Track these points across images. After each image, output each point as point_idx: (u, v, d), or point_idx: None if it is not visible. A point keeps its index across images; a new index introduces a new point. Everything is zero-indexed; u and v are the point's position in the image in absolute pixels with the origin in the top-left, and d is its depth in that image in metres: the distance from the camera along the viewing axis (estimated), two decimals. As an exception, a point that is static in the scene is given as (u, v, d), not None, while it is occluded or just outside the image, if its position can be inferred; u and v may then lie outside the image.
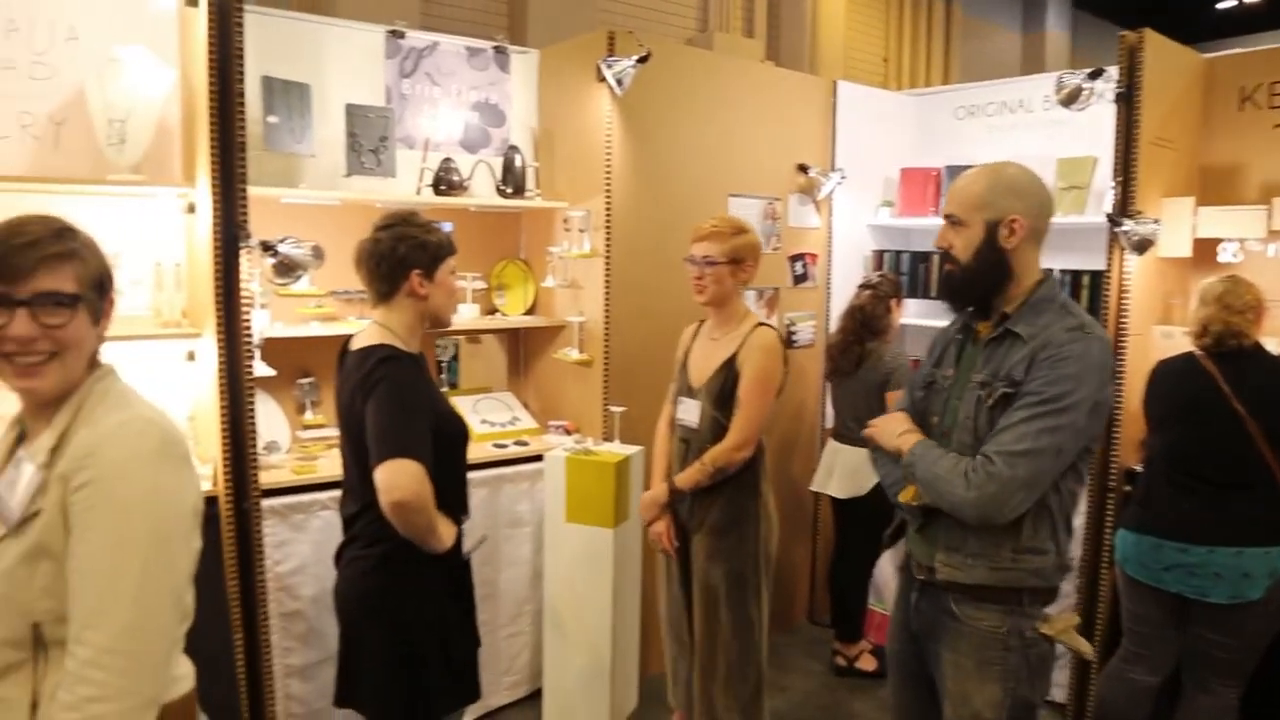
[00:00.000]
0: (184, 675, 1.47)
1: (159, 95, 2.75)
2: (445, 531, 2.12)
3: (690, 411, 2.80)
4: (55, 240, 1.32)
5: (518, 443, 3.53)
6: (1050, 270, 1.99)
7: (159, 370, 2.96)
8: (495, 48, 3.73)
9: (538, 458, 3.38)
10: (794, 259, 4.19)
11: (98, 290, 1.39)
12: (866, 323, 3.75)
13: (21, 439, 1.42)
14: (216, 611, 2.73)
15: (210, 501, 2.71)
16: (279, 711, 2.90)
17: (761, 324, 2.77)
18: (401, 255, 2.14)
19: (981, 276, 1.96)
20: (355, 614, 2.20)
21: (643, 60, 3.31)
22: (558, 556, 3.28)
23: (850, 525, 3.91)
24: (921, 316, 4.18)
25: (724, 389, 2.72)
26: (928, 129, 4.53)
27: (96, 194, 2.83)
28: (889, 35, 8.72)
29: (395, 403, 2.03)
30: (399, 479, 1.96)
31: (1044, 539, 1.91)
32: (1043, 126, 4.07)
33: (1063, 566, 1.96)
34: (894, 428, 2.08)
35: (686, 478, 2.74)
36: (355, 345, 2.18)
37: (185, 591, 1.38)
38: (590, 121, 3.50)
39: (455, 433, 2.23)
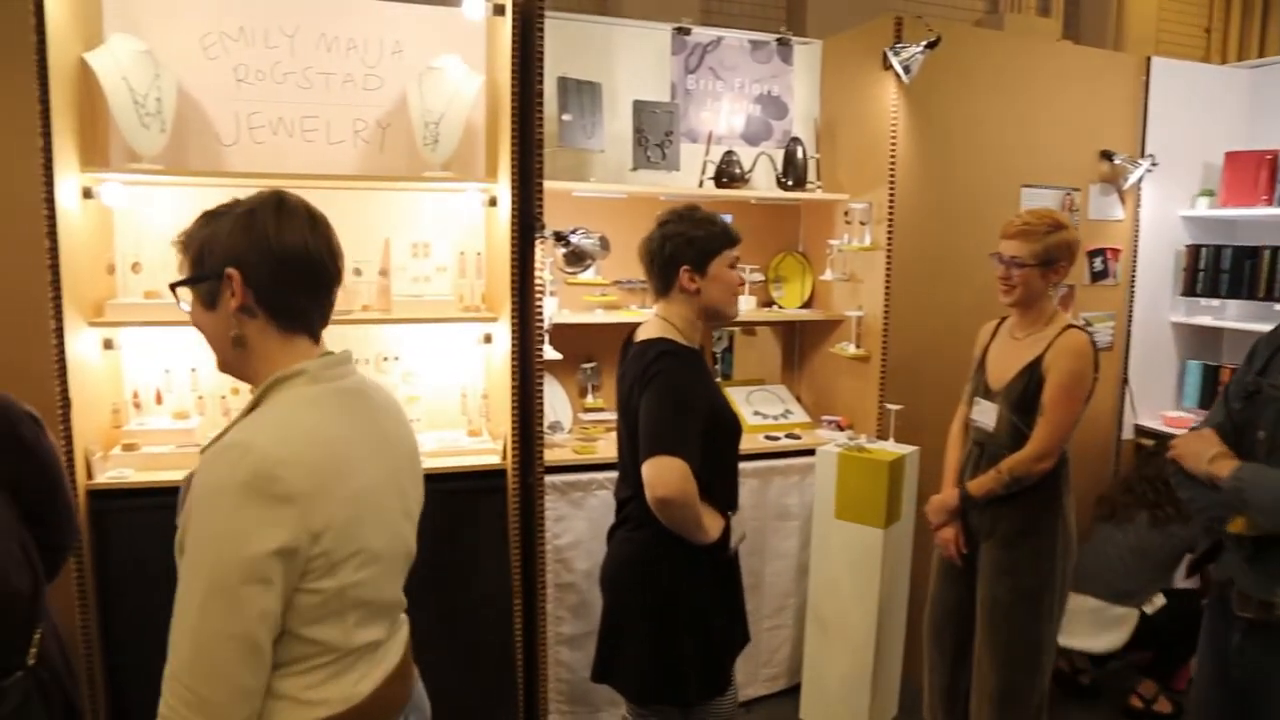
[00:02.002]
0: (334, 698, 1.31)
1: (468, 98, 2.99)
2: (711, 524, 2.14)
3: (987, 414, 2.65)
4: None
5: (789, 436, 3.52)
6: None
7: (459, 350, 3.23)
8: (778, 39, 3.73)
9: (809, 452, 3.35)
10: (1093, 254, 3.86)
11: (202, 273, 1.32)
12: None
13: None
14: (501, 577, 2.95)
15: (499, 474, 2.93)
16: (549, 675, 3.08)
17: (1071, 326, 2.56)
18: (669, 253, 2.19)
19: None
20: (619, 593, 2.28)
21: (931, 45, 3.19)
22: (825, 553, 3.24)
23: None
24: (1244, 319, 3.73)
25: (1026, 394, 2.54)
26: (1263, 106, 4.01)
27: (412, 189, 3.13)
28: (1213, 2, 7.78)
29: (668, 399, 2.07)
30: (664, 475, 2.01)
31: None
32: None
33: None
34: (1202, 449, 1.84)
35: (980, 485, 2.60)
36: (638, 337, 2.26)
37: (262, 637, 1.21)
38: (874, 111, 3.41)
39: (728, 427, 2.24)
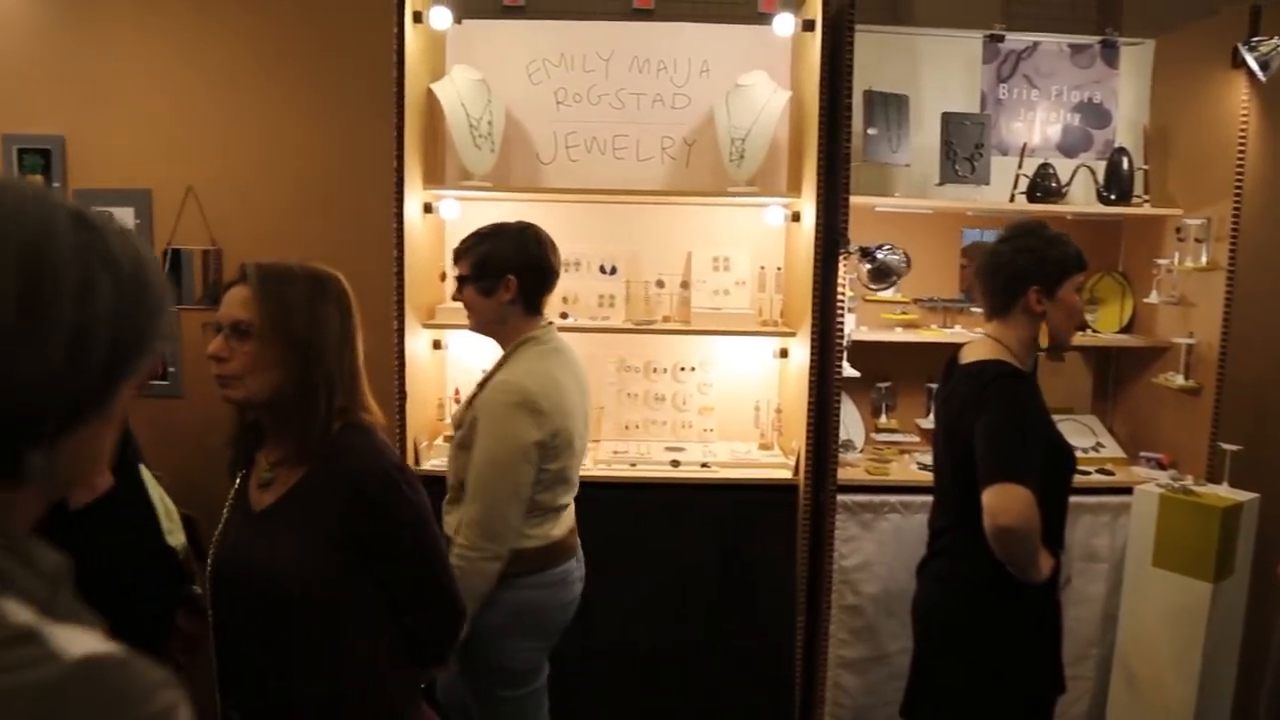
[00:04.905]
0: (540, 536, 2.11)
1: (774, 114, 3.01)
2: (1044, 563, 2.00)
3: None
4: None
5: (1101, 471, 3.24)
6: None
7: (755, 363, 3.26)
8: (1102, 42, 3.46)
9: (1124, 490, 3.06)
10: None
11: (486, 275, 2.14)
12: None
13: None
14: (785, 593, 2.93)
15: (789, 489, 2.92)
16: (827, 698, 3.02)
17: None
18: (1020, 269, 2.07)
19: None
20: (934, 631, 2.18)
21: (1301, 37, 2.82)
22: (1139, 604, 2.95)
23: None
24: None
25: None
26: None
27: (716, 204, 3.21)
28: None
29: (1008, 423, 1.96)
30: (1008, 504, 1.88)
31: None
32: None
33: None
34: None
35: None
36: (966, 358, 2.15)
37: (525, 494, 2.03)
38: (1218, 115, 3.06)
39: (1063, 459, 2.10)
